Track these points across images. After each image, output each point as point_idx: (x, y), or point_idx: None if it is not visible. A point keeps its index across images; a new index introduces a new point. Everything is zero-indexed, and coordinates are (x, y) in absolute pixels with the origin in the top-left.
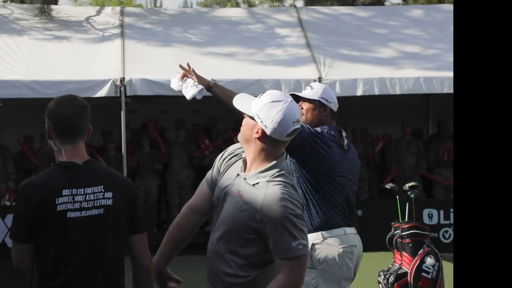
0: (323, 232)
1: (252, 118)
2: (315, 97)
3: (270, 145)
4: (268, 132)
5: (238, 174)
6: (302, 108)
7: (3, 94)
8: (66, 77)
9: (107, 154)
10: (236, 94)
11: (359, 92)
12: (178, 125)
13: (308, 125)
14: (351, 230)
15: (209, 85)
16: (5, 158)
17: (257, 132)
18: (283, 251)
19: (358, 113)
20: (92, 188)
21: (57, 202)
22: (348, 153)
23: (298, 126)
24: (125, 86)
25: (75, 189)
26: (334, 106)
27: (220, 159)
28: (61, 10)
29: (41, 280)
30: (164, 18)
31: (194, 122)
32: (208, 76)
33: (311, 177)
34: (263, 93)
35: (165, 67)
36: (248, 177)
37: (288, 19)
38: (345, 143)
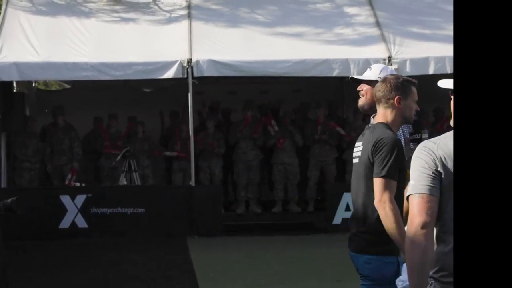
0: None
1: None
2: (373, 77)
3: None
4: None
5: None
6: (362, 90)
7: (72, 76)
8: (134, 58)
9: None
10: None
11: (431, 71)
12: (246, 106)
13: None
14: None
15: None
16: (71, 139)
17: None
18: None
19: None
20: (360, 143)
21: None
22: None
23: None
24: (192, 68)
25: (357, 143)
26: None
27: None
28: None
29: None
30: None
31: (261, 103)
32: (277, 57)
33: None
34: None
35: (232, 48)
36: None
37: None
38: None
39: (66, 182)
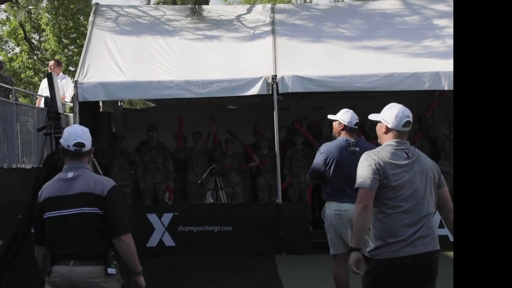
0: (328, 201)
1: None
2: (336, 118)
3: None
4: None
5: None
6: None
7: (157, 94)
8: (218, 76)
9: (260, 152)
10: None
11: None
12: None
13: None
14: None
15: None
16: (165, 157)
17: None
18: None
19: None
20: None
21: None
22: (357, 155)
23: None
24: (277, 84)
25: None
26: (349, 123)
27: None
28: (212, 9)
29: None
30: (315, 13)
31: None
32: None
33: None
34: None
35: (317, 63)
36: None
37: (446, 9)
38: (352, 149)
39: (165, 200)
